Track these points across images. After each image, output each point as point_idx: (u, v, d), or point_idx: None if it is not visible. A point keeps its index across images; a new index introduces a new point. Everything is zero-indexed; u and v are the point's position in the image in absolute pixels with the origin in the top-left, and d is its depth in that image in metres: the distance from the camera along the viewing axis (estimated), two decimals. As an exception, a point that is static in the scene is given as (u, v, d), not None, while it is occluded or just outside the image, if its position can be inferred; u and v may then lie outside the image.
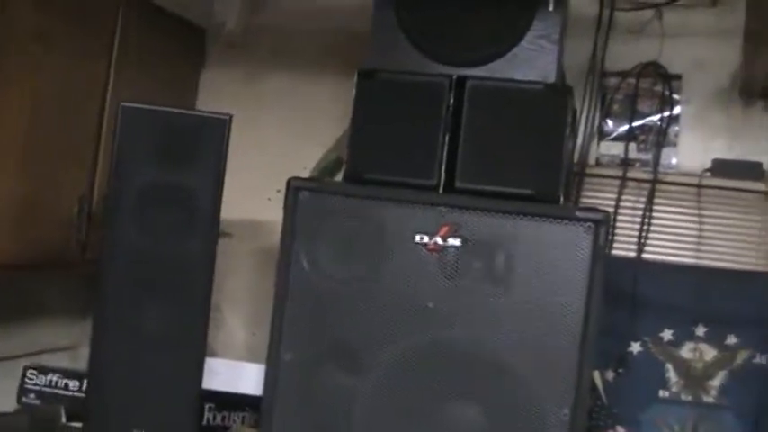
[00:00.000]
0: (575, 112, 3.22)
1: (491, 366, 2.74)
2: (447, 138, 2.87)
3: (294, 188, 2.90)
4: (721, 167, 3.75)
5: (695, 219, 3.77)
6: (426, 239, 2.78)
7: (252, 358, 3.87)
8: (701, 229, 3.75)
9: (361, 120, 2.97)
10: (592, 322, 2.69)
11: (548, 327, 2.71)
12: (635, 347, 3.74)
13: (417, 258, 2.79)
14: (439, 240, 2.77)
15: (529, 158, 2.82)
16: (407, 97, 2.93)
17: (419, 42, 2.98)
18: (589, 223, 2.69)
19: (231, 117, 3.00)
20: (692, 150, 3.82)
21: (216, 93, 4.18)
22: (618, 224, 3.78)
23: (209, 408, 3.57)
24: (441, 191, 2.85)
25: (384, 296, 2.81)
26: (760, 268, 3.72)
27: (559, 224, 2.71)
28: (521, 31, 2.93)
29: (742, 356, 3.69)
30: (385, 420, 2.82)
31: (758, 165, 3.74)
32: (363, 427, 2.83)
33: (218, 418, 3.61)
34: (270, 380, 2.90)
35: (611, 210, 3.72)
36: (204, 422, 3.54)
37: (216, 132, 2.98)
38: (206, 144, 2.98)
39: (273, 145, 4.08)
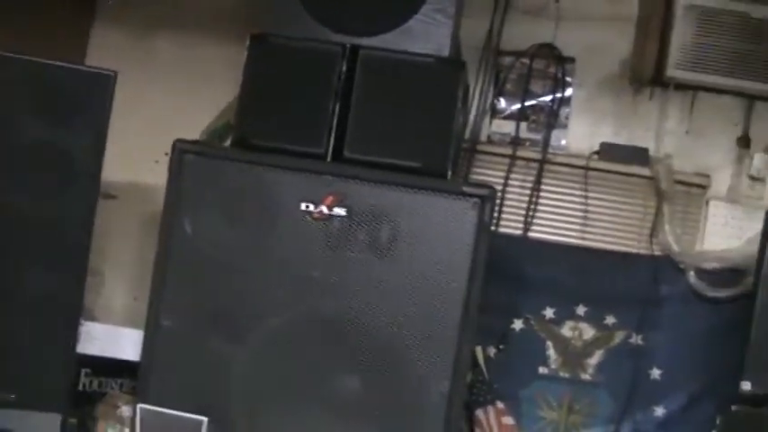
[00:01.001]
0: (467, 87, 3.23)
1: (372, 338, 2.73)
2: (337, 107, 2.84)
3: (179, 150, 2.83)
4: (609, 151, 3.82)
5: (581, 200, 3.83)
6: (312, 208, 2.75)
7: (133, 324, 3.77)
8: (586, 211, 3.82)
9: (251, 84, 2.93)
10: (473, 297, 2.70)
11: (429, 300, 2.71)
12: (517, 324, 3.79)
13: (302, 227, 2.76)
14: (324, 209, 2.75)
15: (418, 131, 2.82)
16: (300, 64, 2.89)
17: (314, 9, 2.94)
18: (475, 199, 2.70)
19: (116, 74, 2.90)
20: (581, 133, 3.87)
21: (106, 50, 4.04)
22: (506, 202, 3.82)
23: (86, 373, 3.47)
24: (329, 159, 2.83)
25: (267, 264, 2.78)
26: (641, 251, 3.80)
27: (446, 198, 2.72)
28: (417, 3, 2.91)
29: (619, 336, 3.77)
30: (263, 390, 2.80)
31: (644, 150, 3.81)
32: (241, 397, 2.79)
33: (95, 383, 3.52)
34: (148, 346, 2.84)
35: (499, 188, 3.75)
36: (80, 388, 3.44)
37: (99, 89, 2.88)
38: (88, 101, 2.87)
39: (163, 107, 3.97)
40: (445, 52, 2.89)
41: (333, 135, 2.84)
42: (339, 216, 2.75)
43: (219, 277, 2.81)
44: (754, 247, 3.11)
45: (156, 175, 3.28)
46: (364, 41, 2.89)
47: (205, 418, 2.31)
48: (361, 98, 2.83)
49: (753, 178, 3.81)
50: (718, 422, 3.19)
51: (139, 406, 2.33)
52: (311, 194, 2.76)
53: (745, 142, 3.83)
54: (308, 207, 2.76)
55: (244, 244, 2.80)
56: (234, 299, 2.80)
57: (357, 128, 2.83)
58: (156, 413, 2.31)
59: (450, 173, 2.84)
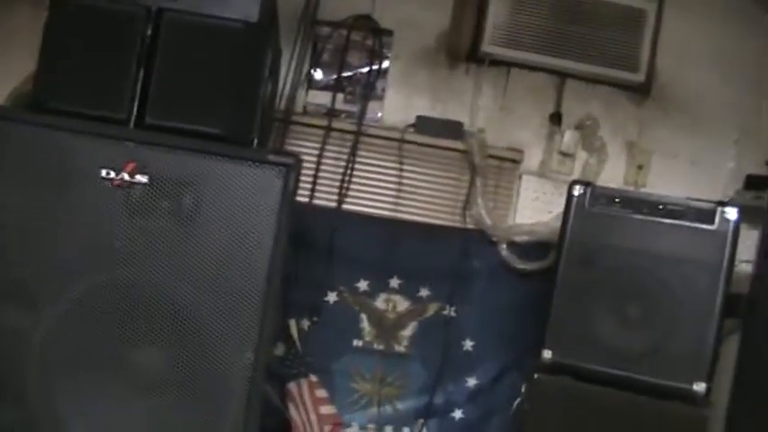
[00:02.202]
0: (277, 55, 3.18)
1: (174, 308, 2.67)
2: (141, 71, 2.75)
3: (-27, 114, 2.69)
4: (424, 124, 3.85)
5: (396, 173, 3.84)
6: (113, 175, 2.66)
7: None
8: (401, 183, 3.84)
9: (51, 47, 2.79)
10: (277, 268, 2.67)
11: (233, 270, 2.67)
12: (331, 297, 3.79)
13: (103, 194, 2.67)
14: (126, 176, 2.66)
15: (223, 98, 2.75)
16: (103, 26, 2.78)
17: (119, -31, 2.83)
18: (280, 167, 2.67)
19: None
20: (397, 106, 3.88)
21: None
22: (321, 174, 3.79)
23: None
24: (131, 125, 2.73)
25: (65, 232, 2.67)
26: (455, 224, 3.84)
27: (250, 166, 2.67)
28: (226, -33, 2.85)
29: (433, 308, 3.82)
30: (62, 365, 2.69)
31: (459, 124, 3.86)
32: (38, 373, 2.68)
33: None
34: (-64, 313, 2.70)
35: (314, 159, 3.73)
36: None
37: None
38: None
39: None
40: (253, 18, 2.83)
41: (136, 100, 2.75)
42: (141, 183, 2.67)
43: (14, 246, 2.68)
44: (560, 222, 3.19)
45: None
46: (170, 4, 2.79)
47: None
48: (166, 63, 2.75)
49: (563, 154, 3.91)
50: (523, 390, 3.26)
51: None
52: (112, 161, 2.67)
53: (556, 119, 3.93)
54: (108, 174, 2.67)
55: (41, 211, 2.68)
56: (30, 268, 2.68)
57: (160, 93, 2.74)
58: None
59: (255, 141, 2.80)
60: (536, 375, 3.08)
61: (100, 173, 2.67)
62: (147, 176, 2.66)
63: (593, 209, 3.10)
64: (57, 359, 2.69)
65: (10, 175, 2.69)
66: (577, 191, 3.12)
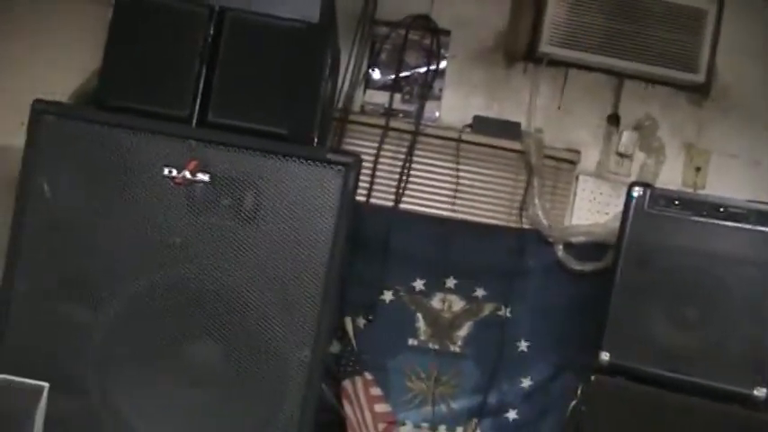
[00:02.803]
0: (337, 55, 3.20)
1: (233, 305, 2.70)
2: (204, 70, 2.78)
3: (38, 111, 2.74)
4: (481, 124, 3.85)
5: (453, 172, 3.84)
6: (174, 173, 2.69)
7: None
8: (457, 183, 3.83)
9: (115, 45, 2.83)
10: (336, 266, 2.69)
11: (292, 268, 2.69)
12: (387, 296, 3.80)
13: (164, 192, 2.70)
14: (187, 174, 2.69)
15: (284, 98, 2.77)
16: (166, 25, 2.80)
17: (183, -31, 2.87)
18: (339, 166, 2.68)
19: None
20: (454, 105, 3.89)
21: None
22: (378, 174, 3.81)
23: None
24: (193, 124, 2.76)
25: (127, 229, 2.71)
26: (511, 224, 3.84)
27: (310, 166, 2.69)
28: (288, -32, 2.87)
29: (488, 309, 3.82)
30: (121, 359, 2.73)
31: (516, 125, 3.86)
32: (98, 364, 2.72)
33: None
34: (2, 311, 2.75)
35: (371, 159, 3.74)
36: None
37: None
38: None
39: (28, 70, 3.84)
40: (314, 18, 2.84)
41: (198, 99, 2.77)
42: (202, 182, 2.69)
43: (77, 242, 2.73)
44: (618, 223, 3.18)
45: (21, 139, 3.17)
46: (233, 3, 2.82)
47: (47, 384, 2.24)
48: (228, 62, 2.77)
49: (620, 155, 3.89)
50: (579, 392, 3.25)
51: (-22, 372, 2.25)
52: (174, 159, 2.70)
53: (614, 120, 3.91)
54: (170, 172, 2.70)
55: (103, 208, 2.72)
56: (91, 264, 2.72)
57: (222, 92, 2.76)
58: (-4, 379, 2.23)
59: (315, 140, 2.82)
60: (593, 377, 3.07)
61: (162, 171, 2.70)
62: (208, 175, 2.69)
63: (652, 210, 3.08)
64: (117, 354, 2.73)
65: (73, 172, 2.73)
66: (637, 192, 3.10)
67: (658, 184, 3.50)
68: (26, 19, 3.92)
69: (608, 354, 3.05)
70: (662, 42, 3.78)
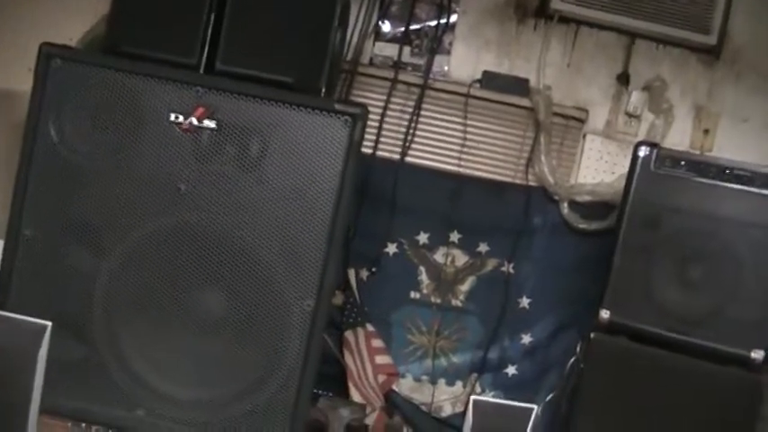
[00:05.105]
0: (347, 6, 3.17)
1: (237, 253, 2.72)
2: (212, 17, 2.77)
3: (46, 54, 2.75)
4: (490, 80, 3.82)
5: (460, 127, 3.82)
6: (181, 119, 2.70)
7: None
8: (464, 138, 3.82)
9: (124, -9, 2.83)
10: (341, 216, 2.70)
11: (297, 217, 2.71)
12: (391, 249, 3.81)
13: (171, 138, 2.72)
14: (194, 121, 2.70)
15: (293, 47, 2.78)
16: (175, -29, 2.81)
17: None
18: (346, 117, 2.68)
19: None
20: (463, 60, 3.86)
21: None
22: (385, 126, 3.79)
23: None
24: (201, 71, 2.77)
25: (133, 175, 2.73)
26: (517, 181, 3.83)
27: (317, 115, 2.69)
28: None
29: (491, 264, 3.82)
30: (126, 302, 2.76)
31: (525, 81, 3.84)
32: (103, 309, 2.76)
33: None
34: (8, 255, 2.78)
35: (379, 111, 3.73)
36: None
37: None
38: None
39: (36, 14, 3.82)
40: (325, -33, 2.84)
41: (206, 46, 2.78)
42: (209, 129, 2.70)
43: (83, 187, 2.75)
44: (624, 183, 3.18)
45: (29, 84, 3.17)
46: (243, -49, 2.82)
47: (49, 323, 2.26)
48: (236, 10, 2.78)
49: (629, 115, 3.87)
50: (578, 349, 3.27)
51: (-20, 309, 2.28)
52: (181, 105, 2.71)
53: (624, 79, 3.88)
54: (177, 118, 2.71)
55: (110, 153, 2.74)
56: (98, 209, 2.75)
57: (231, 40, 2.77)
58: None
59: (323, 90, 2.81)
60: (593, 335, 3.09)
61: (169, 117, 2.71)
62: (215, 122, 2.70)
63: (658, 170, 3.07)
64: (121, 299, 2.77)
65: (80, 117, 2.74)
66: (643, 152, 3.09)
67: (666, 146, 3.48)
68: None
69: (608, 312, 3.06)
70: (674, 2, 3.75)
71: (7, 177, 3.76)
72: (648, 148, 3.09)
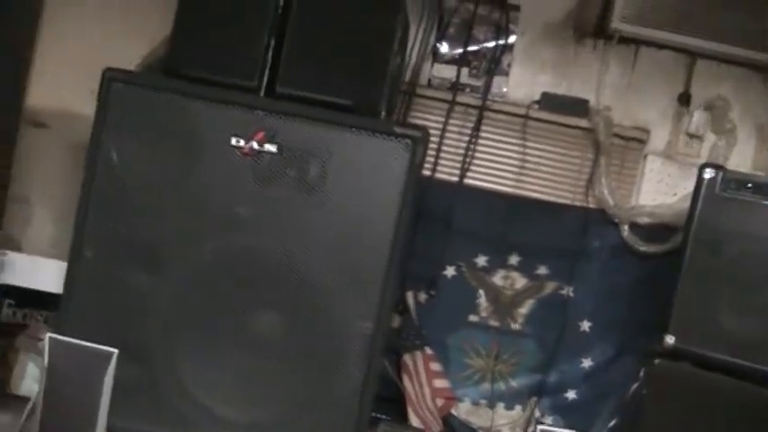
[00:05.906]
0: (406, 28, 3.18)
1: (297, 276, 2.72)
2: (273, 40, 2.79)
3: (108, 79, 2.78)
4: (549, 101, 3.79)
5: (519, 149, 3.80)
6: (242, 143, 2.71)
7: (60, 255, 3.72)
8: (524, 160, 3.79)
9: (186, 14, 2.86)
10: (400, 239, 2.69)
11: (357, 240, 2.70)
12: (449, 271, 3.78)
13: (231, 162, 2.73)
14: (254, 145, 2.71)
15: (353, 69, 2.78)
16: (237, -5, 2.82)
17: (254, -60, 2.86)
18: (407, 140, 2.68)
19: (43, -1, 2.82)
20: (522, 81, 3.83)
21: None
22: (444, 148, 3.77)
23: (9, 304, 3.41)
24: (261, 94, 2.78)
25: (193, 198, 2.75)
26: (576, 203, 3.79)
27: (377, 138, 2.69)
28: (359, -60, 2.85)
29: (550, 287, 3.78)
30: (183, 324, 2.78)
31: (584, 102, 3.80)
32: (160, 331, 2.77)
33: (19, 315, 3.45)
34: (69, 277, 2.80)
35: (438, 133, 3.72)
36: (2, 318, 3.38)
37: (23, 15, 2.79)
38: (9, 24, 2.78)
39: (99, 39, 3.86)
40: (385, -10, 2.84)
41: (267, 69, 2.79)
42: (269, 152, 2.71)
43: (144, 209, 2.77)
44: (687, 205, 3.12)
45: (91, 106, 3.21)
46: (303, -26, 2.82)
47: (116, 350, 2.27)
48: (297, 33, 2.79)
49: (691, 135, 3.81)
50: (641, 375, 3.21)
51: (48, 336, 2.28)
52: (242, 129, 2.72)
53: (685, 99, 3.83)
54: (237, 142, 2.72)
55: (170, 176, 2.76)
56: (157, 232, 2.77)
57: (291, 63, 2.78)
58: (67, 344, 2.25)
59: (383, 113, 2.80)
60: (657, 360, 3.03)
61: (229, 140, 2.72)
62: (275, 145, 2.70)
63: (723, 193, 3.01)
64: (180, 321, 2.78)
65: (141, 140, 2.77)
66: (708, 174, 3.04)
67: (729, 167, 3.43)
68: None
69: (673, 338, 3.01)
70: (736, 21, 3.67)
71: (66, 196, 3.83)
72: (714, 170, 3.04)
